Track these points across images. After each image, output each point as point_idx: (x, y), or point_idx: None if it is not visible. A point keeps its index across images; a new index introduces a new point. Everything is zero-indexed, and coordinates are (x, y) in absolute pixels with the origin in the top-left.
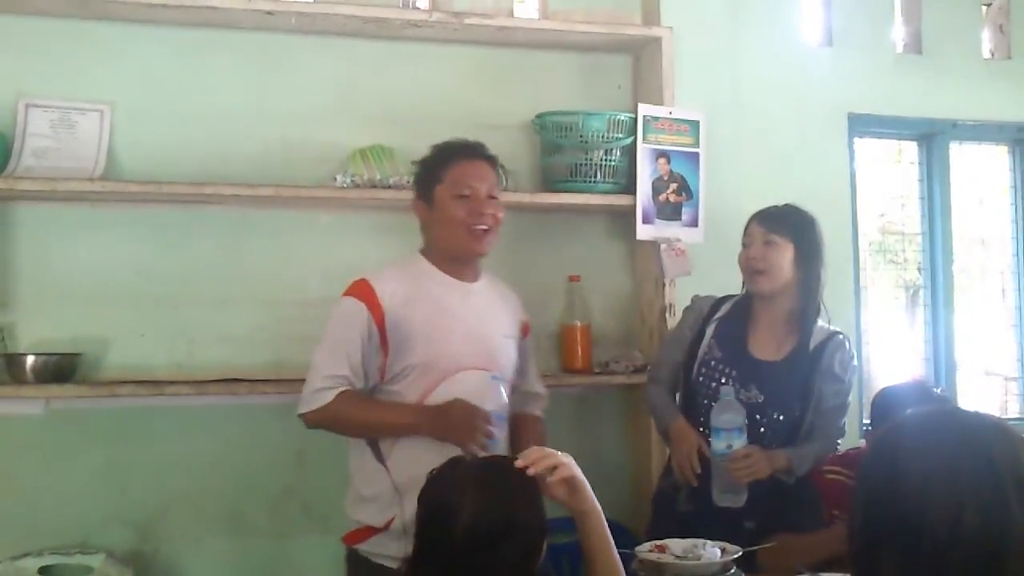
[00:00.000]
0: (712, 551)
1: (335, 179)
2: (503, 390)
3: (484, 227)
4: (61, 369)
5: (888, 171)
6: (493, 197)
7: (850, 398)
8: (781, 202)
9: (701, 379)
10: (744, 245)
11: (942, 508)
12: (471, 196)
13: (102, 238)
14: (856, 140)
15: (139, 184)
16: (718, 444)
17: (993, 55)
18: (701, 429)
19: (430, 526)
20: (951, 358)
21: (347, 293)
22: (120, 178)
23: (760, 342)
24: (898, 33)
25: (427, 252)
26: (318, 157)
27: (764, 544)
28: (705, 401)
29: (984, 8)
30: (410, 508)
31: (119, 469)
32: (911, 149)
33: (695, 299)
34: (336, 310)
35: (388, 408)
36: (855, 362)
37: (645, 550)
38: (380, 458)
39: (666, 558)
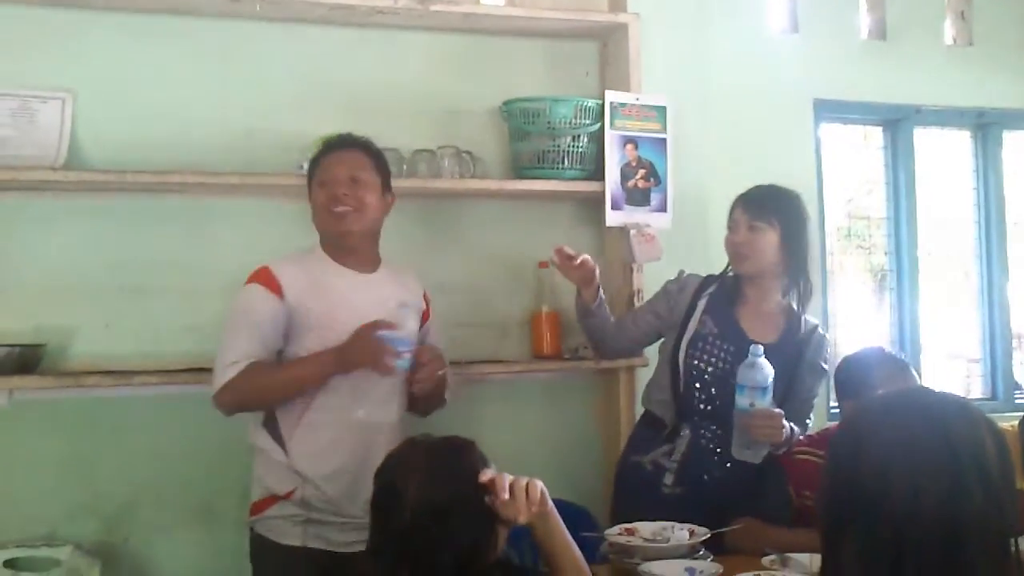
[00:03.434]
0: (681, 534)
1: (300, 167)
2: (411, 317)
3: (343, 208)
4: (25, 360)
5: (854, 156)
6: (357, 180)
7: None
8: (752, 184)
9: (695, 358)
10: (729, 229)
11: (901, 489)
12: (328, 181)
13: (65, 228)
14: (822, 126)
15: (103, 173)
16: (742, 400)
17: (955, 42)
18: (702, 407)
19: (383, 500)
20: (916, 341)
21: (251, 280)
22: (83, 167)
23: (751, 323)
24: (863, 20)
25: (322, 244)
26: (283, 145)
27: (731, 526)
28: (697, 375)
29: None
30: (310, 487)
31: (86, 460)
32: (876, 134)
33: (682, 275)
34: (242, 296)
35: (299, 362)
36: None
37: (614, 533)
38: (280, 442)
39: (635, 541)
